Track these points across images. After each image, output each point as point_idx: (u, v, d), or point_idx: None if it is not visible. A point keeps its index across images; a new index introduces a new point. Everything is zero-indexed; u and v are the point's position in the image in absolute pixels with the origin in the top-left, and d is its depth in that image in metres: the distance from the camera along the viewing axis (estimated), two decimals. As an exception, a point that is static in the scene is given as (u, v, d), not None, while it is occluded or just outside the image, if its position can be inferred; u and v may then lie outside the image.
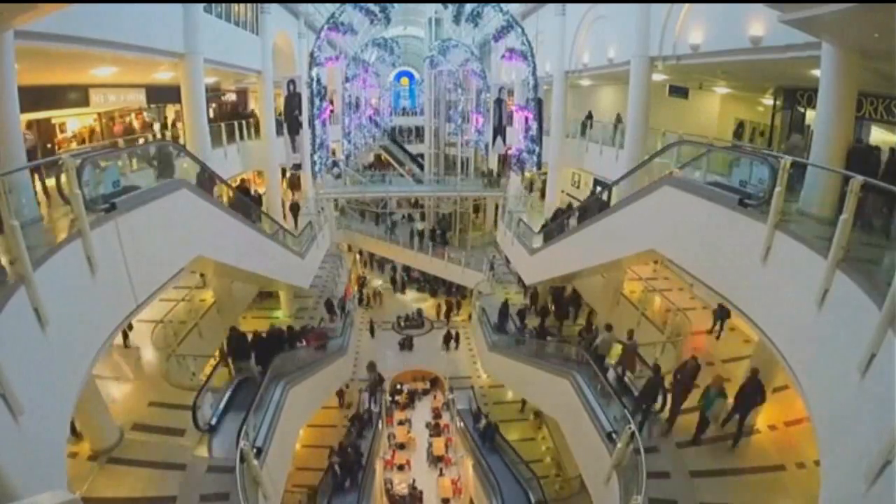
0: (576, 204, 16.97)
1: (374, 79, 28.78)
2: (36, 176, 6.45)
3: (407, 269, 26.97)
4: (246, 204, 11.90)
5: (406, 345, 21.31)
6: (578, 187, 21.15)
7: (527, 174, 19.94)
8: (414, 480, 14.98)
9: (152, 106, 16.07)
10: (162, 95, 15.49)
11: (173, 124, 16.57)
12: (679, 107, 15.05)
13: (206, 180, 9.56)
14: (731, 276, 6.69)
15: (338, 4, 17.18)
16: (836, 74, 6.74)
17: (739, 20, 8.79)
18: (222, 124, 16.09)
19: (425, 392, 19.17)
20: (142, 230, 6.40)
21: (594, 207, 11.98)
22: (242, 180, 19.61)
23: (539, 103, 17.36)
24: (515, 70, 19.50)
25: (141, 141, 14.02)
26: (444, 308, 23.40)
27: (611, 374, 10.55)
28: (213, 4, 13.75)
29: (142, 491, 7.69)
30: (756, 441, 8.99)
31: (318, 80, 16.55)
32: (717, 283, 7.05)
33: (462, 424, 16.42)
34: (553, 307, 15.81)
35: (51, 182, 6.16)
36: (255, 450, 7.70)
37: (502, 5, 18.00)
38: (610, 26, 14.14)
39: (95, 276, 5.34)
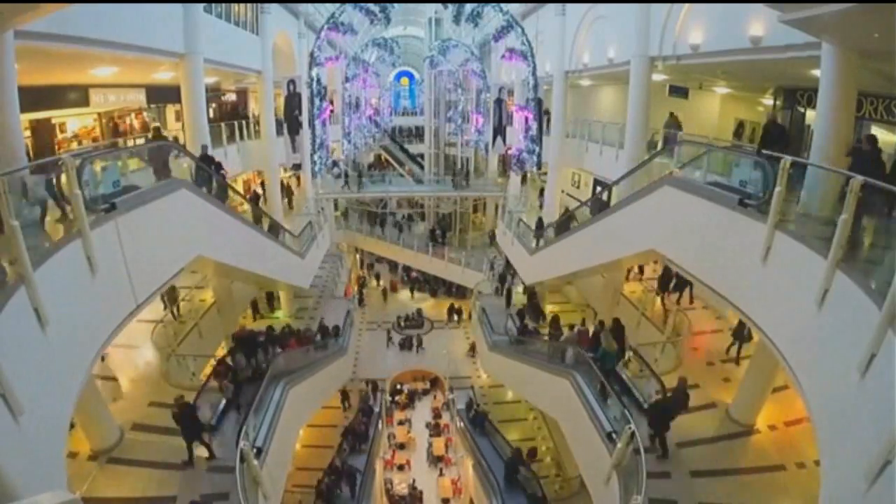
0: (574, 204, 16.98)
1: (374, 79, 28.78)
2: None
3: (407, 268, 26.99)
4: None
5: (406, 345, 21.32)
6: (578, 187, 21.15)
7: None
8: (414, 480, 15.00)
9: (152, 106, 16.07)
10: (162, 95, 15.49)
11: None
12: (679, 107, 15.05)
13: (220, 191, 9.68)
14: (731, 276, 6.69)
15: (338, 4, 17.18)
16: (836, 74, 6.74)
17: (739, 20, 8.78)
18: (222, 124, 16.11)
19: (425, 392, 19.18)
20: (142, 230, 6.40)
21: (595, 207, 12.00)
22: (254, 191, 19.70)
23: (539, 103, 17.35)
24: (515, 70, 19.50)
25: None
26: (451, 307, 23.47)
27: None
28: (213, 4, 13.74)
29: (142, 491, 7.70)
30: (756, 441, 9.01)
31: (318, 80, 16.56)
32: (717, 283, 7.05)
33: (462, 424, 16.42)
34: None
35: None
36: (255, 450, 7.70)
37: (502, 5, 17.99)
38: (610, 26, 14.14)
39: (95, 276, 5.34)
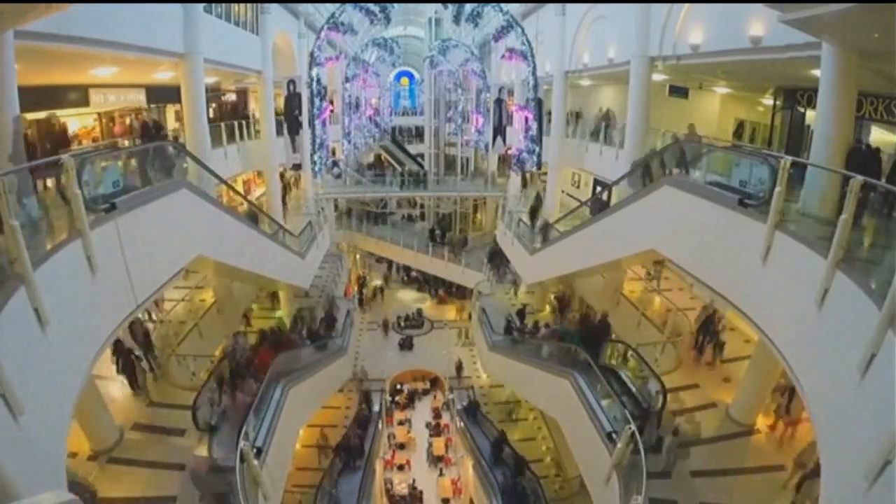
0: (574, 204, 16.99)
1: (374, 79, 28.77)
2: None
3: (407, 268, 26.99)
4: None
5: (406, 345, 21.31)
6: (578, 187, 21.15)
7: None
8: (414, 480, 14.98)
9: (152, 106, 16.07)
10: (162, 95, 15.48)
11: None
12: (679, 107, 15.05)
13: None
14: (731, 276, 6.69)
15: (338, 4, 17.18)
16: (836, 74, 6.74)
17: (739, 20, 8.78)
18: (222, 124, 16.10)
19: (425, 392, 19.17)
20: (142, 230, 6.40)
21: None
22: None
23: (539, 103, 17.35)
24: (515, 70, 19.49)
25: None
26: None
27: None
28: (213, 4, 13.74)
29: (142, 491, 7.71)
30: (756, 441, 9.01)
31: (318, 80, 16.55)
32: (716, 283, 7.05)
33: (462, 424, 16.42)
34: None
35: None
36: (255, 450, 7.70)
37: (502, 5, 17.98)
38: (610, 26, 14.14)
39: (95, 276, 5.34)
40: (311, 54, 16.57)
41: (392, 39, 25.88)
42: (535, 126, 17.28)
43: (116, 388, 10.05)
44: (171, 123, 17.04)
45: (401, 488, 14.80)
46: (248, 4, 16.03)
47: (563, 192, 19.88)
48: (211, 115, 16.50)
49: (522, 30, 17.19)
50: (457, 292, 24.40)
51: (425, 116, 27.26)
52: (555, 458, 16.03)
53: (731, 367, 11.15)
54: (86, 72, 11.42)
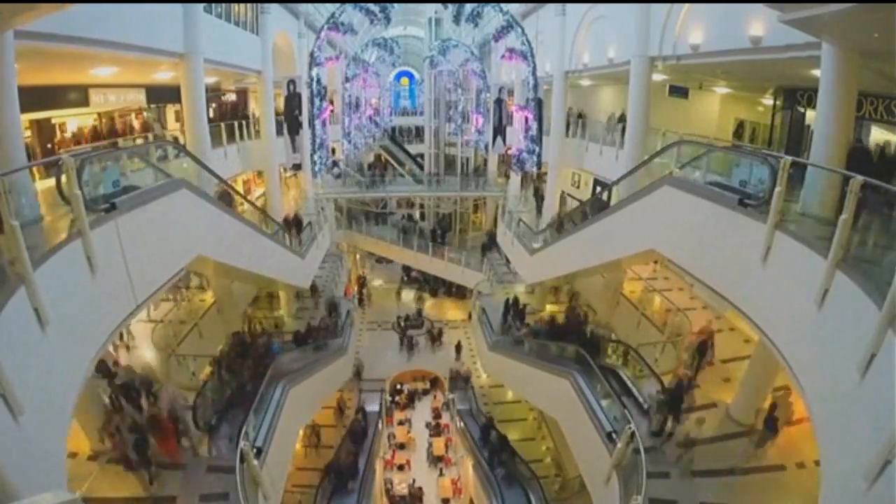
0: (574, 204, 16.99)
1: (374, 79, 28.75)
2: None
3: (407, 268, 26.98)
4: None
5: (406, 345, 21.31)
6: (578, 187, 21.15)
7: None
8: (414, 480, 15.00)
9: (152, 106, 16.07)
10: (162, 95, 15.50)
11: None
12: (679, 107, 15.05)
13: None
14: (731, 276, 6.69)
15: (338, 4, 17.17)
16: (836, 74, 6.74)
17: (739, 20, 8.79)
18: (222, 124, 16.11)
19: (425, 392, 19.18)
20: (142, 230, 6.40)
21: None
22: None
23: (539, 103, 17.35)
24: (515, 70, 19.48)
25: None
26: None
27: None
28: (213, 4, 13.74)
29: (142, 491, 7.70)
30: (756, 441, 8.99)
31: (318, 80, 16.53)
32: (716, 283, 7.05)
33: (462, 424, 16.43)
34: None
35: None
36: (255, 450, 7.71)
37: (502, 5, 17.98)
38: (610, 26, 14.14)
39: (95, 276, 5.33)
40: (311, 54, 16.56)
41: (392, 39, 25.86)
42: (535, 126, 17.28)
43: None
44: (171, 124, 17.07)
45: (401, 488, 14.80)
46: (248, 4, 16.03)
47: (562, 192, 19.90)
48: (211, 115, 16.50)
49: (522, 30, 17.19)
50: (457, 292, 24.41)
51: (425, 116, 27.22)
52: (555, 458, 16.03)
53: (731, 367, 11.14)
54: (86, 72, 11.43)
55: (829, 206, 6.01)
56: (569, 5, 16.39)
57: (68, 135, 12.80)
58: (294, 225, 15.92)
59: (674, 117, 14.50)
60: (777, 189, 5.53)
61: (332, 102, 20.87)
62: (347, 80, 21.45)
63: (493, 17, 19.23)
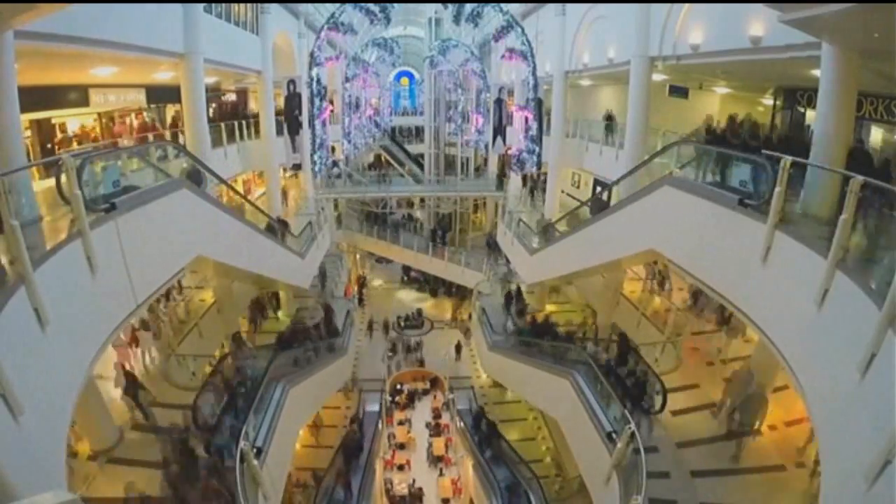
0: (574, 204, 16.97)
1: (374, 79, 28.75)
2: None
3: (407, 268, 26.98)
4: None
5: (405, 346, 21.30)
6: (578, 187, 21.15)
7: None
8: (414, 480, 14.99)
9: (152, 106, 16.07)
10: (162, 95, 15.49)
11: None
12: (679, 107, 15.04)
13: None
14: (730, 276, 6.69)
15: (338, 4, 17.17)
16: (836, 74, 6.73)
17: (739, 20, 8.78)
18: (222, 124, 16.10)
19: (425, 392, 19.17)
20: (142, 230, 6.40)
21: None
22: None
23: (539, 103, 17.34)
24: (515, 70, 19.47)
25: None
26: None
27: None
28: (213, 4, 13.74)
29: (142, 491, 7.68)
30: (756, 441, 8.99)
31: (318, 80, 16.54)
32: (716, 283, 7.05)
33: (462, 424, 16.42)
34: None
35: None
36: (255, 450, 7.70)
37: (502, 5, 17.98)
38: (610, 26, 14.14)
39: (95, 276, 5.33)
40: (311, 54, 16.56)
41: (392, 39, 25.87)
42: (535, 126, 17.28)
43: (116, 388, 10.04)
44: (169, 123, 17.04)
45: (401, 488, 14.80)
46: (248, 4, 16.03)
47: (562, 191, 19.89)
48: (211, 114, 16.51)
49: (522, 30, 17.19)
50: (457, 292, 24.41)
51: (425, 116, 27.21)
52: (555, 458, 16.03)
53: (731, 366, 11.14)
54: (86, 72, 11.42)
55: (829, 206, 6.01)
56: (569, 5, 16.39)
57: (68, 134, 12.81)
58: (281, 226, 15.76)
59: (674, 117, 14.50)
60: (777, 189, 5.53)
61: (332, 102, 20.88)
62: (347, 80, 21.46)
63: (493, 17, 19.23)
